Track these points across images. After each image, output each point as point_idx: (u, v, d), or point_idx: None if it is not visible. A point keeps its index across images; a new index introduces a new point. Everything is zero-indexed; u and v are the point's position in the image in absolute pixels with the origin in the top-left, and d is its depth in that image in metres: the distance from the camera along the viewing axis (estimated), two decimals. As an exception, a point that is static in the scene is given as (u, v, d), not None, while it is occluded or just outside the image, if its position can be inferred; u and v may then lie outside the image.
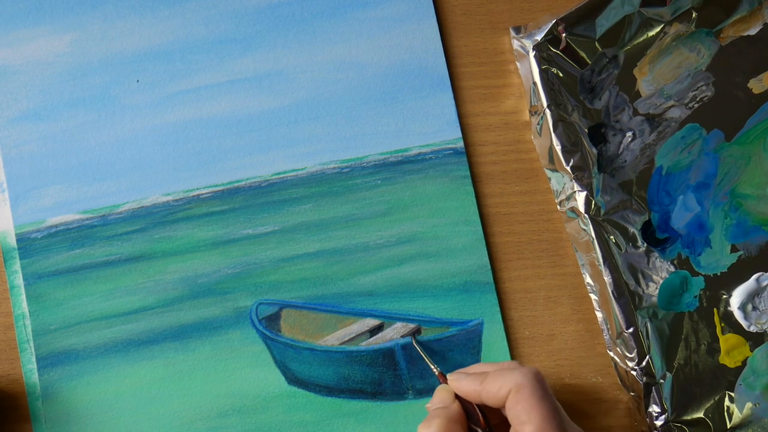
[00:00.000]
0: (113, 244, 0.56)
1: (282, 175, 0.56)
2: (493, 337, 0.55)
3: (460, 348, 0.55)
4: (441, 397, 0.49)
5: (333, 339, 0.55)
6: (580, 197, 0.54)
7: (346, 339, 0.55)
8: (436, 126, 0.57)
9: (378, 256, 0.56)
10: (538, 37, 0.55)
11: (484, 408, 0.48)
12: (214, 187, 0.56)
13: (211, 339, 0.55)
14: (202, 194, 0.56)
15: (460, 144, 0.57)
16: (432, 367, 0.52)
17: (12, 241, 0.55)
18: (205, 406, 0.54)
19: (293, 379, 0.55)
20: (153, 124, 0.57)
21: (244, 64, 0.57)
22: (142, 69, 0.57)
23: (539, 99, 0.55)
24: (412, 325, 0.56)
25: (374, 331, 0.56)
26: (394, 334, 0.55)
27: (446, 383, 0.50)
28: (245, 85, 0.57)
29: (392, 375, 0.55)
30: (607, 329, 0.55)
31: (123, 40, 0.57)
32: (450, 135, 0.57)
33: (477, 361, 0.55)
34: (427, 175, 0.56)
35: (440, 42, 0.57)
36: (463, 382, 0.48)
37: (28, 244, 0.55)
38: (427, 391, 0.55)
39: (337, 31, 0.57)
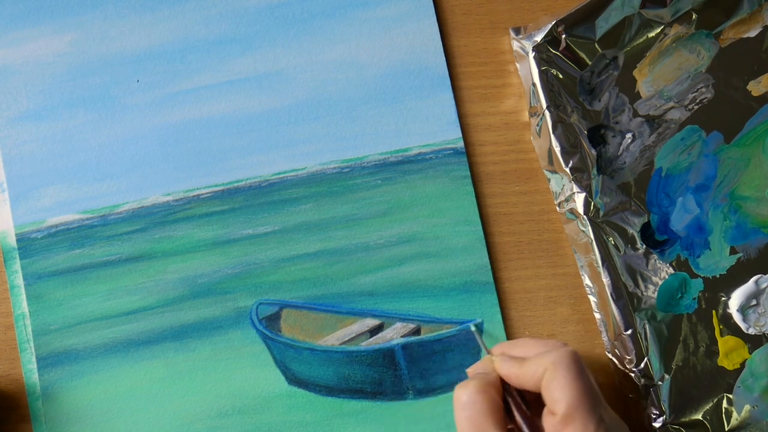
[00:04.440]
0: (113, 244, 0.56)
1: (282, 175, 0.56)
2: (493, 337, 0.55)
3: (459, 348, 0.55)
4: (484, 365, 0.49)
5: (333, 339, 0.55)
6: (579, 199, 0.54)
7: (346, 339, 0.55)
8: (436, 126, 0.57)
9: (378, 256, 0.56)
10: (538, 38, 0.55)
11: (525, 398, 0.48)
12: (214, 187, 0.56)
13: (211, 339, 0.55)
14: (202, 194, 0.56)
15: (461, 144, 0.57)
16: (485, 350, 0.51)
17: (12, 241, 0.55)
18: (205, 406, 0.54)
19: (293, 379, 0.55)
20: (153, 124, 0.57)
21: (244, 64, 0.57)
22: (142, 69, 0.57)
23: (539, 100, 0.55)
24: (412, 325, 0.56)
25: (374, 331, 0.56)
26: (394, 334, 0.55)
27: None
28: (245, 85, 0.57)
29: (392, 375, 0.55)
30: (606, 331, 0.55)
31: (123, 40, 0.57)
32: (450, 135, 0.57)
33: (477, 360, 0.55)
34: (427, 175, 0.56)
35: (440, 42, 0.57)
36: (504, 366, 0.48)
37: (28, 244, 0.55)
38: (428, 391, 0.55)
39: (337, 31, 0.57)
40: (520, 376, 0.47)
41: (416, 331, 0.55)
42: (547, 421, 0.45)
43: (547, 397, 0.45)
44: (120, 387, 0.54)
